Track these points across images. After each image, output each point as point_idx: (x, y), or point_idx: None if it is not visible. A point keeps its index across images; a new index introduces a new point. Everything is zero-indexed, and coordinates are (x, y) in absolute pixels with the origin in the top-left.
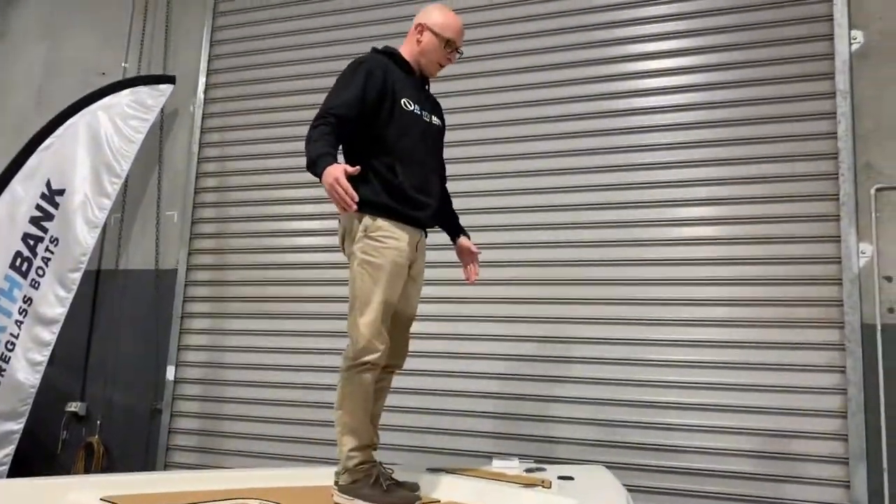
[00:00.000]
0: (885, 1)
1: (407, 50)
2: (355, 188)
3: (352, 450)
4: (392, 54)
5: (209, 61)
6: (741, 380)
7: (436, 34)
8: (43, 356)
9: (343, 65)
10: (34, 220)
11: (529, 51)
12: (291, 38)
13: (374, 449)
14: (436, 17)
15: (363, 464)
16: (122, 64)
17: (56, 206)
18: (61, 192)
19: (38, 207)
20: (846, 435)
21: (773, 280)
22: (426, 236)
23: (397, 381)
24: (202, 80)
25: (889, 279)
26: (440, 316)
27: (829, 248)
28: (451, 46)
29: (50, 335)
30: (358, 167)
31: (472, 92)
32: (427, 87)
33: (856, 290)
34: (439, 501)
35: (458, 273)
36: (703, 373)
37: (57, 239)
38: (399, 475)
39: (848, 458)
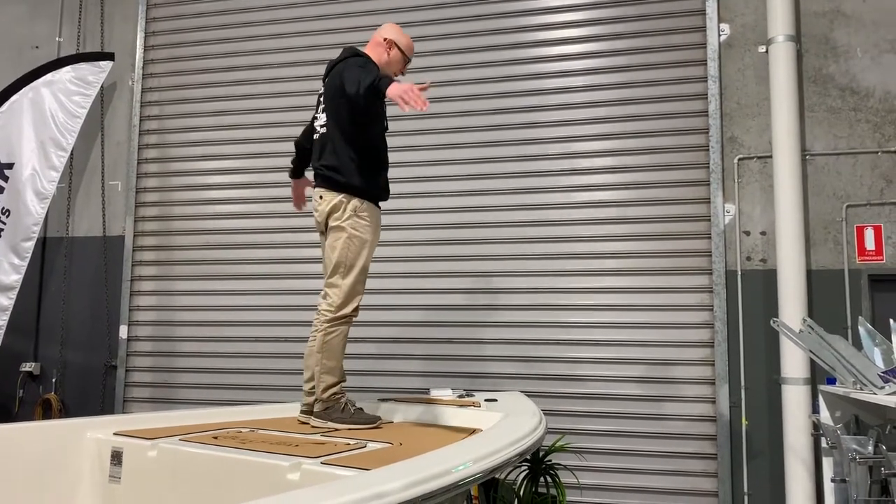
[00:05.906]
0: None
1: (376, 58)
2: (353, 174)
3: (328, 385)
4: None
5: (146, 37)
6: (631, 318)
7: (402, 52)
8: (2, 320)
9: (279, 42)
10: None
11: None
12: (227, 17)
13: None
14: (402, 38)
15: (335, 395)
16: (57, 38)
17: (6, 179)
18: (10, 166)
19: None
20: (713, 361)
21: (655, 236)
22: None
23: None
24: (139, 54)
25: (747, 233)
26: (383, 273)
27: (701, 209)
28: (407, 62)
29: (7, 301)
30: (429, 82)
31: None
32: None
33: (721, 243)
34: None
35: (395, 235)
36: (600, 314)
37: (8, 210)
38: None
39: (714, 380)
